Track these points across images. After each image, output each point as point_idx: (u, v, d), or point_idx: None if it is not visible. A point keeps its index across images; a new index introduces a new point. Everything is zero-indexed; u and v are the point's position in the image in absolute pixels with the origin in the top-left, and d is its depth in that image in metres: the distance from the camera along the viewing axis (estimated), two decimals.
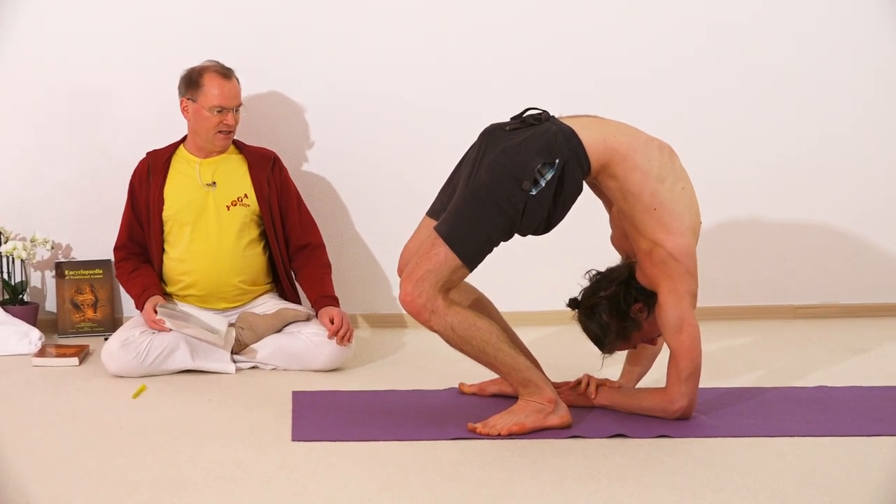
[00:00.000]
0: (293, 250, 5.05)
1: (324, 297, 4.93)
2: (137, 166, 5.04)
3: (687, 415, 4.01)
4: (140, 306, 4.87)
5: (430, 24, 5.46)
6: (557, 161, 3.83)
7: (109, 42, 5.35)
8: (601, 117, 4.07)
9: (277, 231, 4.98)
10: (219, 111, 4.86)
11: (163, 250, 4.97)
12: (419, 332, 5.19)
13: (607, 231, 4.26)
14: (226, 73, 4.89)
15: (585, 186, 3.98)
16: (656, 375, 4.36)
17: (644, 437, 3.88)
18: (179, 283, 4.94)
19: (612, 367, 4.33)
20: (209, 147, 4.95)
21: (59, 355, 4.85)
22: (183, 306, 4.83)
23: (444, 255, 3.82)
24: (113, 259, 5.09)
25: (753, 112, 5.61)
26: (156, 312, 4.72)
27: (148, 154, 5.04)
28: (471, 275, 3.91)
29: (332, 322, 4.78)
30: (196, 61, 4.96)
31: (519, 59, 5.50)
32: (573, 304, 4.07)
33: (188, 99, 4.90)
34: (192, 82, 4.90)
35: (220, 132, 4.90)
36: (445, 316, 3.84)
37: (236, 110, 4.91)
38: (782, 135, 5.64)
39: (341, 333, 4.76)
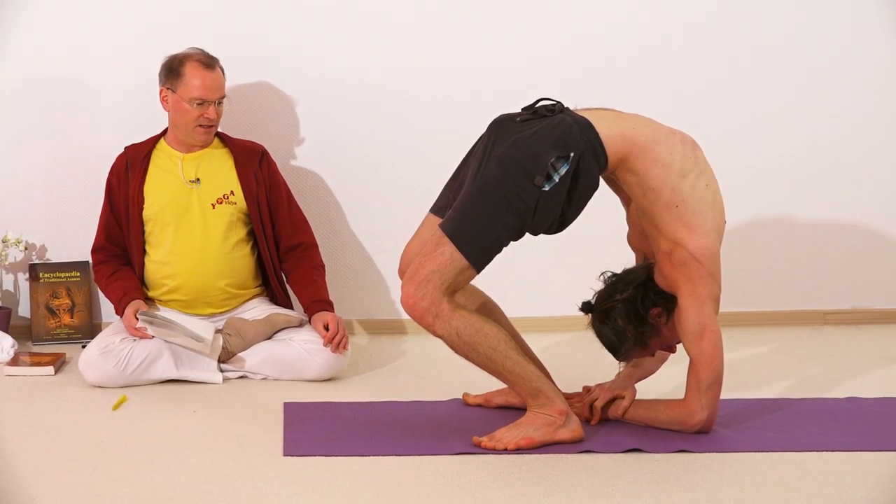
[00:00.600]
0: (283, 251, 5.03)
1: (317, 302, 4.92)
2: (115, 162, 5.01)
3: (707, 428, 4.00)
4: (120, 312, 4.85)
5: (431, 7, 5.44)
6: (572, 154, 3.82)
7: (87, 28, 5.33)
8: (618, 110, 4.07)
9: (266, 230, 4.97)
10: (199, 104, 4.83)
11: (144, 252, 4.95)
12: (420, 338, 5.18)
13: (624, 229, 4.25)
14: (209, 63, 4.86)
15: (602, 182, 3.98)
16: (674, 384, 4.35)
17: (661, 451, 3.88)
18: (162, 287, 4.92)
19: None
20: (190, 141, 4.92)
21: (33, 364, 4.84)
22: (166, 311, 4.82)
23: (449, 255, 3.82)
24: (91, 261, 5.08)
25: (779, 103, 5.59)
26: (136, 319, 4.70)
27: (126, 149, 5.01)
28: (477, 277, 3.91)
29: (326, 328, 4.76)
30: (179, 49, 4.93)
31: (531, 45, 5.48)
32: (586, 307, 4.06)
33: (168, 89, 4.87)
34: (172, 71, 4.87)
35: (200, 126, 4.87)
36: (450, 320, 3.83)
37: (219, 103, 4.88)
38: (810, 128, 5.61)
39: (336, 340, 4.74)
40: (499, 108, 4.14)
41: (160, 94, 4.89)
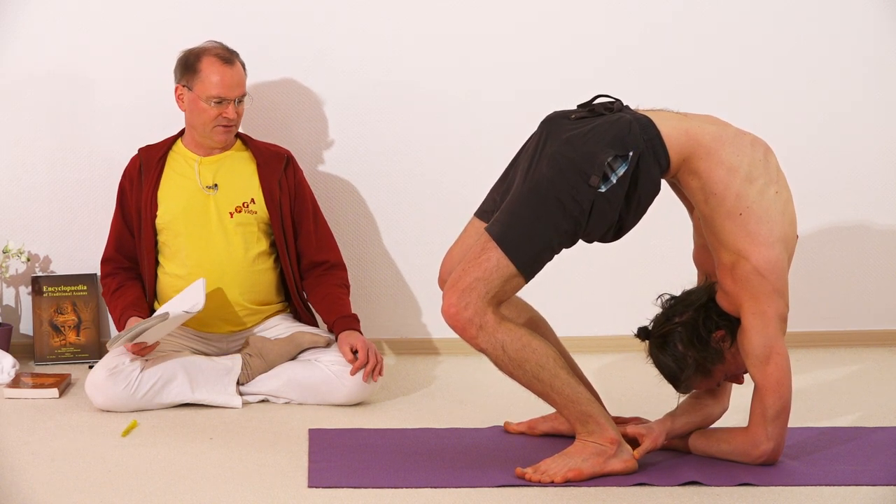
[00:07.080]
0: (305, 267, 5.03)
1: (342, 318, 4.91)
2: (128, 165, 5.03)
3: (773, 459, 3.99)
4: (120, 330, 4.85)
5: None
6: (631, 154, 3.84)
7: (95, 21, 5.35)
8: (683, 112, 4.06)
9: (289, 242, 4.97)
10: (217, 102, 4.85)
11: (156, 263, 4.97)
12: (457, 360, 5.19)
13: (691, 241, 4.23)
14: (228, 58, 4.87)
15: (665, 186, 3.99)
16: (738, 416, 4.35)
17: (722, 484, 3.88)
18: None
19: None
20: (208, 143, 4.94)
21: (35, 386, 4.86)
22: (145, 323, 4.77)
23: (495, 261, 3.83)
24: (99, 273, 5.09)
25: (857, 103, 5.57)
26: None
27: (140, 150, 5.02)
28: (521, 291, 3.91)
29: (353, 352, 4.76)
30: (193, 44, 4.93)
31: (583, 42, 5.48)
32: (643, 333, 4.06)
33: (183, 86, 4.89)
34: (188, 67, 4.89)
35: (219, 126, 4.88)
36: (496, 332, 3.84)
37: (239, 101, 4.89)
38: (891, 132, 5.60)
39: (368, 369, 4.73)
40: (548, 107, 4.14)
41: (175, 91, 4.91)
